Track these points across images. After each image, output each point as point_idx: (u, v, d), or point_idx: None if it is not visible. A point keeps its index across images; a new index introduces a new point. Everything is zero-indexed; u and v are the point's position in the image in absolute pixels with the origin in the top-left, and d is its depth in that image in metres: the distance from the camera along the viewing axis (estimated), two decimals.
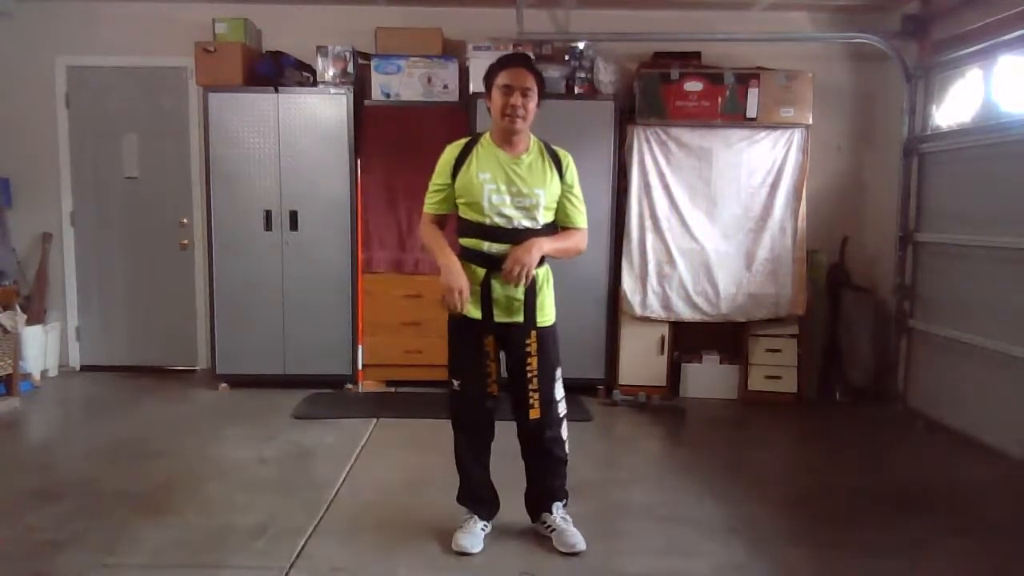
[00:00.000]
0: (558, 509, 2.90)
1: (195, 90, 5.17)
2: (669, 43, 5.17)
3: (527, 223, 2.68)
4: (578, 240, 2.82)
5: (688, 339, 5.18)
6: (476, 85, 4.87)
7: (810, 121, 4.89)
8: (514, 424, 2.87)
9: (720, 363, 5.12)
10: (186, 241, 5.49)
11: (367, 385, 5.13)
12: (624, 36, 5.15)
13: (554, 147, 2.79)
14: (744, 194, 4.97)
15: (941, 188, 4.76)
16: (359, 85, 5.00)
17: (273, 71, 4.93)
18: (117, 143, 5.43)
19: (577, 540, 2.81)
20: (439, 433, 3.94)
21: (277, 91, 4.89)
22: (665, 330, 5.04)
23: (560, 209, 2.78)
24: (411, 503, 3.26)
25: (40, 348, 5.20)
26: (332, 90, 4.93)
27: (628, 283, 5.00)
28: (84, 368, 5.57)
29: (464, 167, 2.70)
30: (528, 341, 2.71)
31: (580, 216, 2.82)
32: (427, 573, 2.68)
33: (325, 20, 5.31)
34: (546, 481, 2.90)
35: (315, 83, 4.99)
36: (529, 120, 2.68)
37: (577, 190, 2.80)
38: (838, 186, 5.45)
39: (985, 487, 3.67)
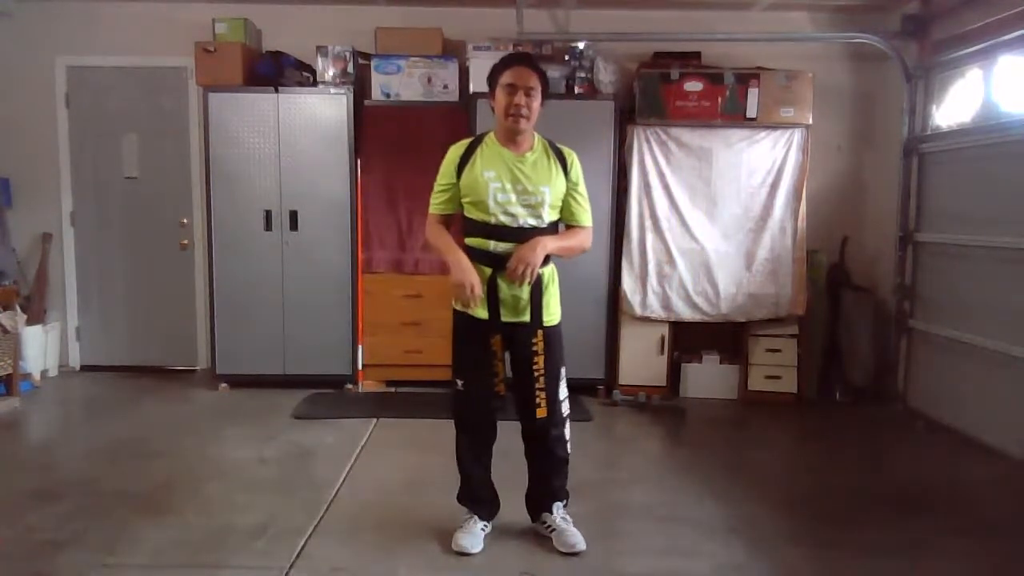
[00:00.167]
0: (558, 509, 2.91)
1: (195, 90, 5.17)
2: (669, 43, 5.17)
3: (532, 221, 2.68)
4: (583, 238, 2.83)
5: (688, 339, 5.18)
6: (476, 85, 4.88)
7: (810, 121, 4.89)
8: (514, 424, 2.88)
9: (720, 363, 5.12)
10: (186, 241, 5.49)
11: (367, 385, 5.13)
12: (624, 36, 5.15)
13: (558, 145, 2.80)
14: (744, 194, 4.97)
15: (941, 188, 4.76)
16: (359, 85, 5.00)
17: (273, 71, 4.93)
18: (117, 143, 5.43)
19: (577, 540, 2.81)
20: (439, 433, 3.95)
21: (277, 91, 4.89)
22: (665, 330, 5.04)
23: (565, 207, 2.78)
24: (411, 503, 3.26)
25: (40, 348, 5.20)
26: (332, 90, 4.93)
27: (628, 283, 5.00)
28: (84, 368, 5.57)
29: (469, 166, 2.70)
30: (535, 340, 2.71)
31: (585, 214, 2.82)
32: (427, 573, 2.68)
33: (325, 20, 5.31)
34: (548, 481, 2.90)
35: (315, 83, 4.99)
36: (533, 119, 2.68)
37: (582, 188, 2.81)
38: (838, 186, 5.45)
39: (985, 487, 3.67)
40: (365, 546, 2.85)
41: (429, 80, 4.96)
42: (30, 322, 5.04)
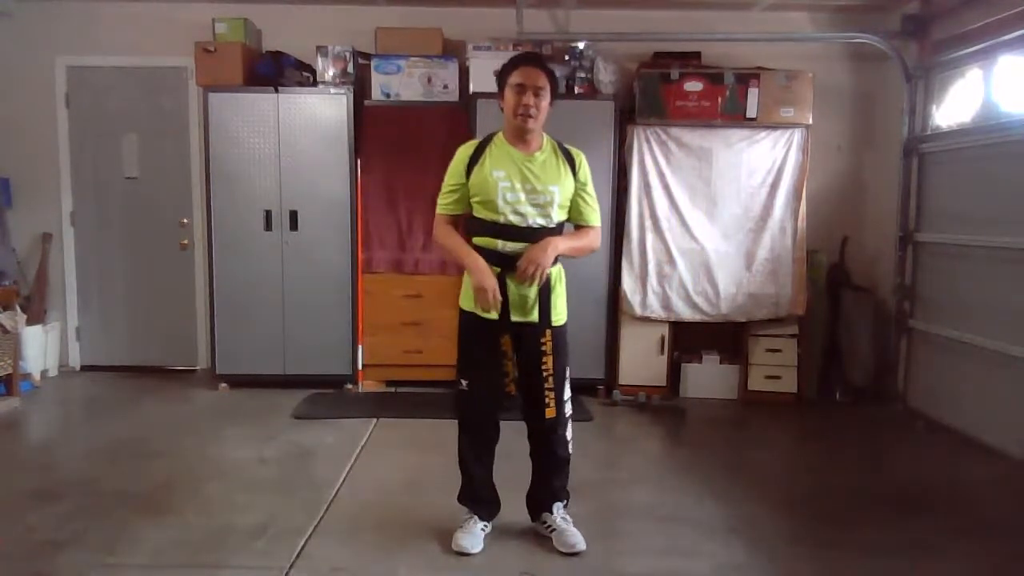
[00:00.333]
0: (558, 509, 2.91)
1: (195, 90, 5.17)
2: (669, 43, 5.17)
3: (541, 221, 2.69)
4: (592, 238, 2.84)
5: (688, 339, 5.18)
6: (476, 85, 4.88)
7: (810, 121, 4.89)
8: (515, 425, 2.88)
9: (720, 363, 5.12)
10: (186, 241, 5.49)
11: (367, 385, 5.13)
12: (624, 36, 5.15)
13: (567, 146, 2.80)
14: (744, 194, 4.97)
15: (941, 188, 4.76)
16: (359, 85, 5.00)
17: (273, 71, 4.93)
18: (117, 143, 5.43)
19: (577, 540, 2.81)
20: (439, 433, 3.97)
21: (277, 91, 4.89)
22: (665, 330, 5.04)
23: (574, 207, 2.79)
24: (411, 503, 3.26)
25: (40, 348, 5.20)
26: (332, 90, 4.93)
27: (628, 283, 5.00)
28: (84, 368, 5.57)
29: (478, 166, 2.70)
30: (543, 340, 2.72)
31: (594, 214, 2.83)
32: (427, 573, 2.68)
33: (325, 20, 5.31)
34: (549, 481, 2.91)
35: (315, 83, 4.99)
36: (542, 119, 2.69)
37: (590, 188, 2.82)
38: (838, 186, 5.45)
39: (985, 487, 3.67)
40: (365, 546, 2.85)
41: (429, 80, 4.96)
42: (30, 322, 5.04)
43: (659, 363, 5.05)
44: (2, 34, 5.32)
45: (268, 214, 4.95)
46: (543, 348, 2.71)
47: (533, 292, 2.70)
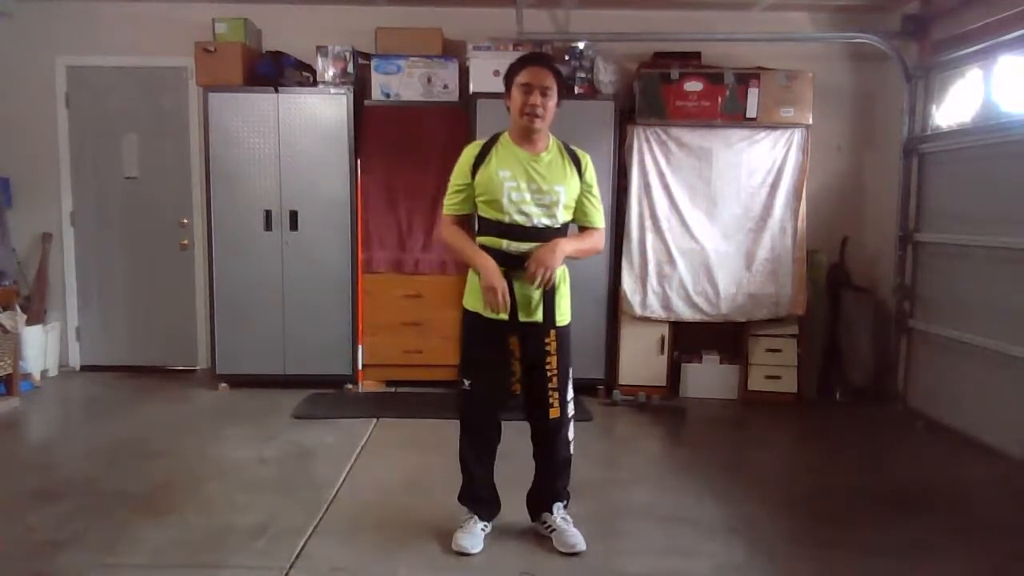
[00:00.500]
0: (559, 509, 2.91)
1: (195, 90, 5.17)
2: (669, 43, 5.17)
3: (546, 221, 2.69)
4: (597, 240, 2.85)
5: (688, 339, 5.18)
6: (476, 85, 4.88)
7: (810, 121, 4.89)
8: (516, 425, 2.88)
9: (720, 363, 5.12)
10: (186, 241, 5.49)
11: (367, 385, 5.13)
12: (624, 36, 5.15)
13: (573, 147, 2.81)
14: (744, 194, 4.97)
15: (941, 188, 4.76)
16: (359, 85, 5.00)
17: (273, 71, 4.93)
18: (117, 143, 5.43)
19: (577, 540, 2.81)
20: (439, 433, 3.97)
21: (277, 91, 4.89)
22: (665, 330, 5.04)
23: (579, 208, 2.79)
24: (411, 503, 3.26)
25: (40, 348, 5.20)
26: (332, 90, 4.93)
27: (628, 283, 5.00)
28: (84, 368, 5.57)
29: (484, 165, 2.70)
30: (548, 340, 2.71)
31: (598, 215, 2.84)
32: (427, 573, 2.68)
33: (325, 20, 5.30)
34: (551, 481, 2.91)
35: (315, 83, 4.99)
36: (548, 119, 2.69)
37: (596, 190, 2.82)
38: (838, 186, 5.45)
39: (985, 487, 3.67)
40: (365, 546, 2.85)
41: (429, 80, 4.96)
42: (30, 322, 5.04)
43: (659, 363, 5.05)
44: (2, 34, 5.32)
45: (268, 214, 4.95)
46: (547, 348, 2.71)
47: (537, 292, 2.70)
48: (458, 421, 2.90)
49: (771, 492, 3.52)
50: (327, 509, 3.18)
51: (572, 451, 2.90)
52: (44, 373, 5.27)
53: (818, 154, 5.20)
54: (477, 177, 2.70)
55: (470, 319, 2.80)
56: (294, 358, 5.03)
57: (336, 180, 4.95)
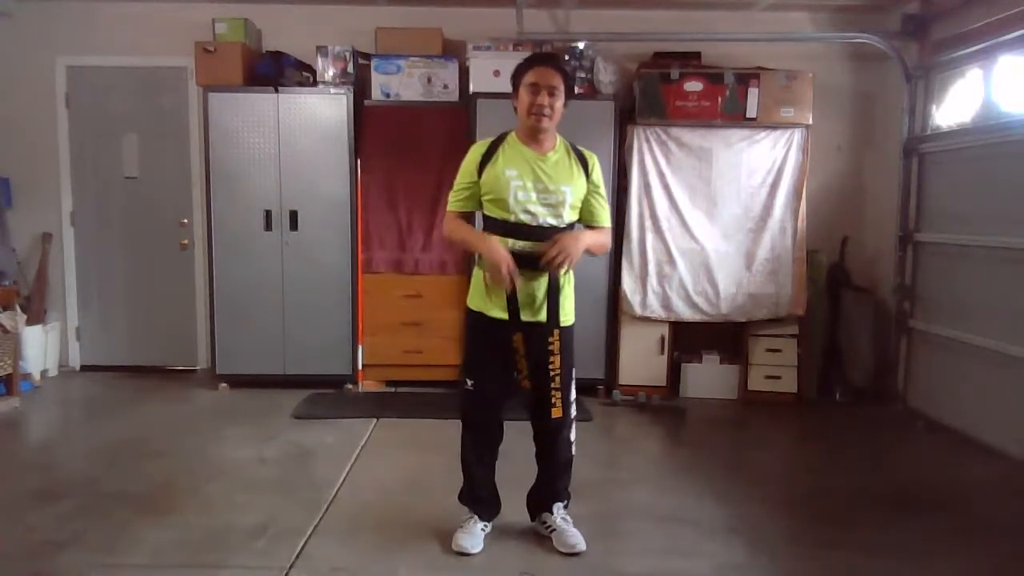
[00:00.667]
0: (558, 509, 2.91)
1: (195, 90, 5.16)
2: (669, 43, 5.17)
3: (552, 221, 2.69)
4: (607, 237, 2.87)
5: (688, 339, 5.18)
6: (476, 85, 4.88)
7: (810, 121, 4.89)
8: (518, 425, 2.88)
9: (720, 363, 5.12)
10: (186, 241, 5.49)
11: (367, 385, 5.13)
12: (624, 36, 5.15)
13: (579, 147, 2.81)
14: (744, 194, 4.97)
15: (941, 188, 4.76)
16: (359, 85, 5.00)
17: (273, 71, 4.93)
18: (117, 143, 5.43)
19: (577, 540, 2.81)
20: (439, 433, 3.97)
21: (277, 91, 4.89)
22: (665, 330, 5.04)
23: (586, 207, 2.79)
24: (411, 503, 3.26)
25: (40, 348, 5.20)
26: (332, 90, 4.93)
27: (628, 283, 5.00)
28: (84, 368, 5.56)
29: (491, 164, 2.70)
30: (551, 340, 2.71)
31: (606, 215, 2.85)
32: (427, 573, 2.68)
33: (325, 20, 5.30)
34: (552, 482, 2.91)
35: (315, 83, 4.99)
36: (555, 119, 2.70)
37: (603, 190, 2.83)
38: (838, 186, 5.45)
39: (985, 487, 3.67)
40: (365, 546, 2.85)
41: (429, 80, 4.96)
42: (30, 322, 5.04)
43: (659, 363, 5.05)
44: (2, 34, 5.32)
45: (268, 214, 4.95)
46: (551, 348, 2.71)
47: (541, 292, 2.70)
48: (460, 421, 2.91)
49: (771, 492, 3.52)
50: (327, 509, 3.18)
51: (574, 452, 2.91)
52: (44, 373, 5.27)
53: (818, 154, 5.20)
54: (484, 176, 2.71)
55: (473, 319, 2.80)
56: (294, 358, 5.03)
57: (336, 180, 4.95)
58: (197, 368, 5.57)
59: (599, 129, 4.86)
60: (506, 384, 2.79)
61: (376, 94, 4.97)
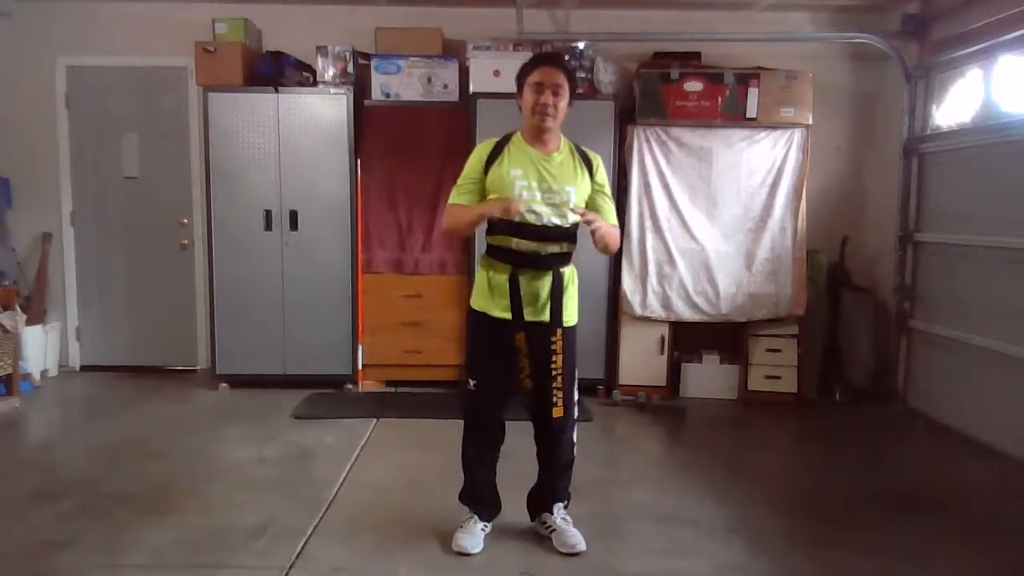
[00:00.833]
0: (559, 509, 2.91)
1: (195, 90, 5.17)
2: (669, 43, 5.17)
3: (557, 220, 2.70)
4: (618, 233, 2.87)
5: (688, 339, 5.18)
6: (476, 85, 4.88)
7: (810, 121, 4.89)
8: (518, 425, 2.88)
9: (720, 363, 5.12)
10: (186, 241, 5.49)
11: (367, 385, 5.13)
12: (624, 36, 5.15)
13: (584, 148, 2.82)
14: (744, 194, 4.97)
15: (941, 188, 4.76)
16: (359, 85, 5.00)
17: (273, 71, 4.93)
18: (117, 143, 5.43)
19: (577, 540, 2.81)
20: (439, 433, 3.98)
21: (277, 91, 4.89)
22: (665, 330, 5.04)
23: (592, 207, 2.80)
24: (411, 503, 3.26)
25: (40, 348, 5.20)
26: (332, 90, 4.93)
27: (628, 283, 5.00)
28: (84, 368, 5.56)
29: (496, 164, 2.71)
30: (554, 339, 2.72)
31: (612, 214, 2.86)
32: (427, 573, 2.68)
33: (325, 20, 5.30)
34: (553, 482, 2.91)
35: (315, 83, 4.99)
36: (560, 118, 2.70)
37: (607, 189, 2.85)
38: (838, 186, 5.45)
39: (985, 487, 3.67)
40: (365, 546, 2.85)
41: (429, 80, 4.96)
42: (30, 322, 5.04)
43: (659, 363, 5.05)
44: (2, 34, 5.32)
45: (268, 214, 4.95)
46: (553, 347, 2.72)
47: (545, 291, 2.71)
48: (462, 421, 2.91)
49: (771, 492, 3.52)
50: (327, 509, 3.18)
51: (575, 453, 2.91)
52: (44, 373, 5.27)
53: (818, 154, 5.20)
54: (489, 175, 2.71)
55: (476, 319, 2.80)
56: (294, 358, 5.03)
57: (336, 180, 4.95)
58: (197, 368, 5.57)
59: (599, 129, 4.86)
60: (508, 384, 2.80)
61: (376, 94, 4.97)
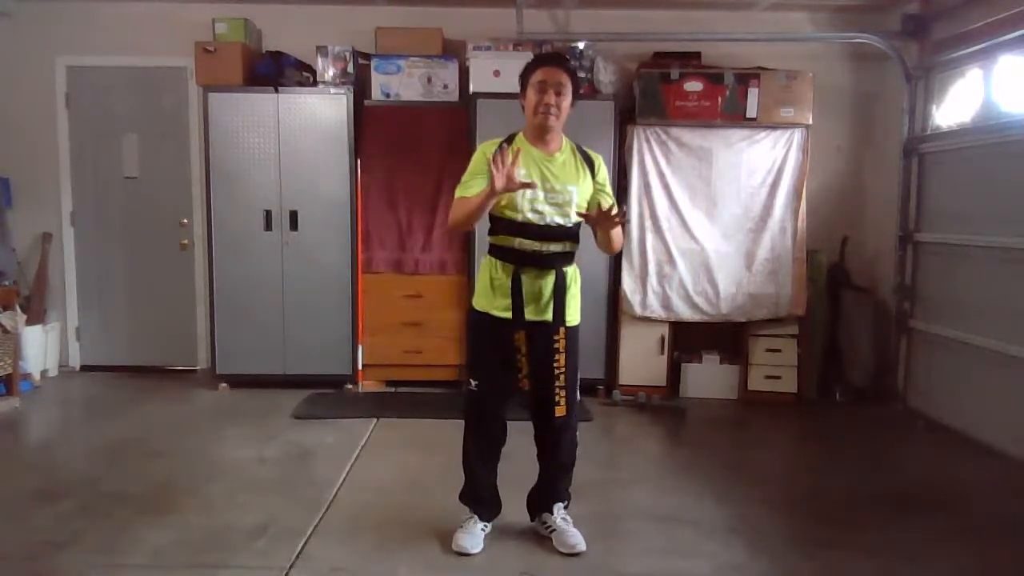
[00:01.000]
0: (559, 509, 2.91)
1: (195, 90, 5.17)
2: (669, 43, 5.17)
3: (560, 220, 2.71)
4: (621, 233, 2.85)
5: (688, 339, 5.18)
6: (476, 85, 4.88)
7: (810, 121, 4.89)
8: (518, 425, 2.88)
9: (720, 363, 5.12)
10: (186, 241, 5.49)
11: (367, 385, 5.13)
12: (624, 36, 5.15)
13: (585, 148, 2.83)
14: (744, 194, 4.97)
15: (941, 188, 4.76)
16: (359, 85, 5.00)
17: (273, 71, 4.93)
18: (117, 143, 5.43)
19: (577, 540, 2.81)
20: (439, 433, 3.98)
21: (277, 91, 4.89)
22: (665, 330, 5.04)
23: (594, 206, 2.79)
24: (411, 503, 3.26)
25: (40, 348, 5.20)
26: (332, 90, 4.93)
27: (628, 283, 5.00)
28: (84, 368, 5.56)
29: None
30: (557, 338, 2.72)
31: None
32: (427, 573, 2.68)
33: (325, 20, 5.30)
34: (554, 482, 2.92)
35: (315, 83, 4.99)
36: (563, 118, 2.71)
37: (609, 188, 2.85)
38: (838, 186, 5.45)
39: (985, 487, 3.67)
40: (365, 546, 2.85)
41: (429, 80, 4.96)
42: (30, 322, 5.04)
43: (659, 363, 5.05)
44: (2, 34, 5.32)
45: (268, 214, 4.95)
46: (556, 346, 2.72)
47: (548, 290, 2.71)
48: (463, 421, 2.91)
49: (771, 492, 3.52)
50: (327, 509, 3.18)
51: (577, 454, 2.91)
52: (44, 373, 5.27)
53: (818, 154, 5.20)
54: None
55: (477, 319, 2.80)
56: (294, 358, 5.03)
57: (336, 180, 4.95)
58: (197, 368, 5.57)
59: (599, 129, 4.85)
60: (510, 385, 2.80)
61: (376, 94, 4.97)
